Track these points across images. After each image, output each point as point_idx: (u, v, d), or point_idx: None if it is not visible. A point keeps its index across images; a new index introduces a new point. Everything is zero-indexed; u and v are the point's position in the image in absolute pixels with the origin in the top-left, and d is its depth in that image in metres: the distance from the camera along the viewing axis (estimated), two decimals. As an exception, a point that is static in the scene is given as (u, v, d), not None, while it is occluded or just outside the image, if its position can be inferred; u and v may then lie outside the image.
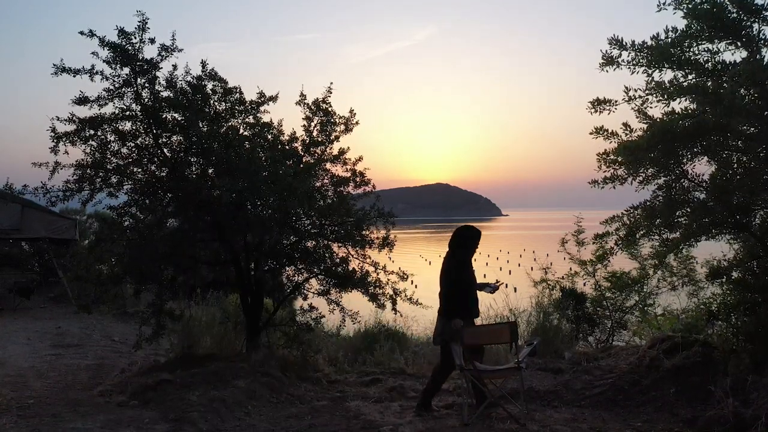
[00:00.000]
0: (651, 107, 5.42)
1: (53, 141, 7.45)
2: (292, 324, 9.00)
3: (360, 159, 9.22)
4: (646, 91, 5.37)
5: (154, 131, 7.86)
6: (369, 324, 13.04)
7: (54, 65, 7.53)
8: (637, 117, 5.53)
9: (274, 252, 8.06)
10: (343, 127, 9.08)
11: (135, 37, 7.64)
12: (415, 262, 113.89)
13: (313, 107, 8.96)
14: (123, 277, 8.08)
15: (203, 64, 8.37)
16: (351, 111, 9.16)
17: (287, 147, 8.97)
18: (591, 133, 5.45)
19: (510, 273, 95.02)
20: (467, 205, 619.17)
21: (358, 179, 9.23)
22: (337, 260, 8.82)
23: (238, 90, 8.61)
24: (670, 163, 5.23)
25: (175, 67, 8.04)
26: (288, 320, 9.22)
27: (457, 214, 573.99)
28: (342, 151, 9.14)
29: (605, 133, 5.55)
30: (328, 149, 9.11)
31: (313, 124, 9.01)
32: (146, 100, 7.86)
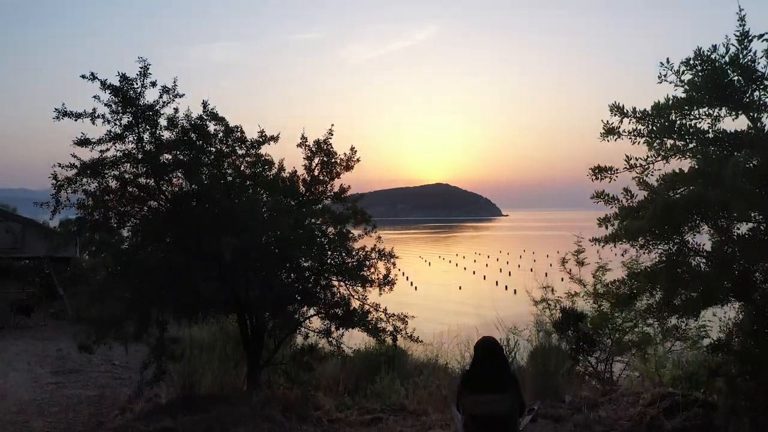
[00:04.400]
0: (651, 175, 5.44)
1: (54, 188, 7.46)
2: (293, 363, 9.00)
3: (361, 197, 9.25)
4: (648, 158, 5.40)
5: (156, 178, 7.87)
6: (369, 344, 13.03)
7: (56, 110, 7.56)
8: (638, 185, 5.55)
9: (276, 300, 8.07)
10: (344, 165, 9.12)
11: (136, 83, 7.65)
12: (416, 264, 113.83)
13: (314, 148, 8.99)
14: (124, 318, 8.08)
15: (204, 104, 8.39)
16: (352, 149, 9.18)
17: (288, 183, 8.99)
18: (592, 198, 5.47)
19: (510, 274, 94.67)
20: (467, 205, 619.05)
21: (359, 216, 9.24)
22: (338, 298, 8.83)
23: (239, 129, 8.63)
24: (671, 234, 5.24)
25: (176, 110, 8.06)
26: (289, 359, 9.22)
27: (457, 214, 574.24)
28: (343, 190, 9.18)
29: (606, 197, 5.57)
30: (329, 187, 9.16)
31: (314, 163, 9.04)
32: (148, 144, 7.87)
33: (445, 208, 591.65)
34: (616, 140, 5.42)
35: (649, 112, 5.27)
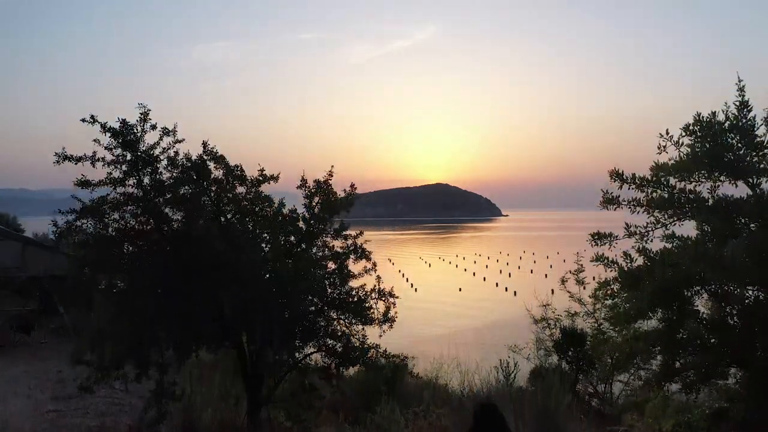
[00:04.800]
0: (651, 242, 5.45)
1: (55, 236, 7.48)
2: (294, 401, 9.02)
3: (360, 233, 9.31)
4: (647, 226, 5.40)
5: (156, 222, 7.90)
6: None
7: (56, 154, 7.57)
8: (637, 252, 5.56)
9: (277, 339, 8.10)
10: (344, 202, 9.20)
11: (137, 128, 7.71)
12: (416, 265, 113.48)
13: (314, 189, 9.08)
14: (125, 360, 8.10)
15: (204, 144, 8.43)
16: (352, 185, 9.29)
17: (287, 218, 9.05)
18: (591, 261, 5.49)
19: (510, 276, 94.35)
20: (467, 205, 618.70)
21: (359, 251, 9.30)
22: (339, 334, 8.87)
23: (239, 168, 8.68)
24: (670, 302, 5.25)
25: (176, 153, 8.12)
26: (289, 396, 9.24)
27: (457, 214, 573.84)
28: (343, 227, 9.26)
29: (605, 261, 5.59)
30: (329, 225, 9.22)
31: (314, 202, 9.12)
32: (148, 186, 7.92)
33: (445, 208, 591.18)
34: (615, 209, 5.44)
35: (649, 178, 5.27)
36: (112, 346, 8.06)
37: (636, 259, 5.50)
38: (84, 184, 7.87)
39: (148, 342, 7.83)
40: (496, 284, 79.03)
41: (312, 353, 9.03)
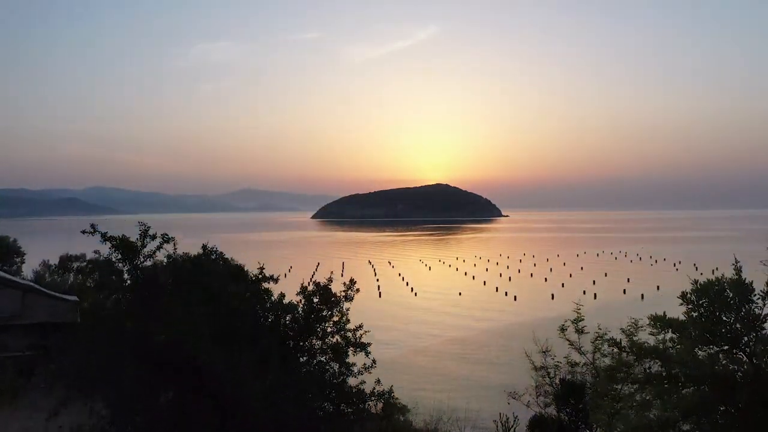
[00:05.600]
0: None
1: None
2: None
3: (360, 326, 9.57)
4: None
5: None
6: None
7: (60, 257, 7.69)
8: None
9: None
10: (343, 297, 9.57)
11: (138, 243, 7.87)
12: (415, 267, 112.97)
13: (314, 288, 9.37)
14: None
15: (204, 247, 8.80)
16: (351, 280, 9.70)
17: (288, 305, 9.34)
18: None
19: (510, 279, 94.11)
20: (467, 205, 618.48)
21: (358, 340, 9.67)
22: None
23: (239, 267, 8.95)
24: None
25: (172, 255, 8.34)
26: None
27: (457, 214, 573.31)
28: (342, 321, 9.59)
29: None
30: (328, 318, 9.47)
31: (314, 300, 9.39)
32: (146, 293, 8.05)
33: (446, 208, 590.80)
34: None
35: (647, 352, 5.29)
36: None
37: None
38: (83, 290, 8.05)
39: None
40: (496, 289, 78.66)
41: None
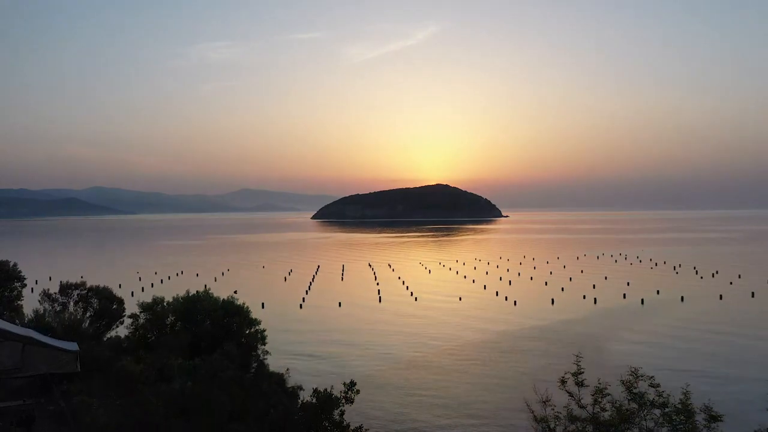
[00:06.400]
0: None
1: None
2: None
3: (360, 427, 9.87)
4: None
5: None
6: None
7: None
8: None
9: None
10: (343, 398, 9.86)
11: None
12: (415, 270, 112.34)
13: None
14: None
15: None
16: (352, 381, 9.95)
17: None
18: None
19: (510, 283, 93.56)
20: (468, 206, 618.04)
21: None
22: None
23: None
24: None
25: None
26: None
27: (457, 215, 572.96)
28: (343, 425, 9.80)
29: None
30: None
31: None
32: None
33: (446, 209, 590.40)
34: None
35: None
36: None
37: None
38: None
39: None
40: (497, 293, 78.17)
41: None
